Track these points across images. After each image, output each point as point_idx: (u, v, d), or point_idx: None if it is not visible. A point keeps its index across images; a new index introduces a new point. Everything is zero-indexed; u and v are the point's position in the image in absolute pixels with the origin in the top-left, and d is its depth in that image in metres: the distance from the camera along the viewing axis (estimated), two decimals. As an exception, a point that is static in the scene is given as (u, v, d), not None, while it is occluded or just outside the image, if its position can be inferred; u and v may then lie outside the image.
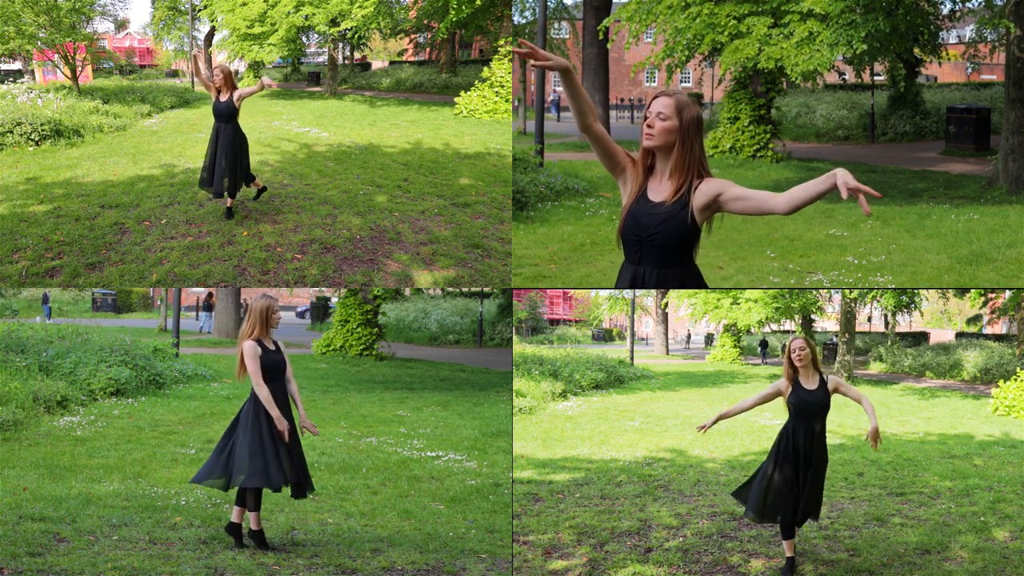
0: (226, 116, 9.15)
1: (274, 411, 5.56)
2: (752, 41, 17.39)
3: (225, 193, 9.62)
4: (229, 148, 9.26)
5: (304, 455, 5.85)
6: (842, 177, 3.24)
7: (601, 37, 19.72)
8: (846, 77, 25.91)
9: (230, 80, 9.06)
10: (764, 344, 32.33)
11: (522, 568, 5.64)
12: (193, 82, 33.49)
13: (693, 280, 3.65)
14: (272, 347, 5.70)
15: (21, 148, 14.82)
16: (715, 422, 5.63)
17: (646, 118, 3.57)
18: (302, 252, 9.04)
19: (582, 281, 10.24)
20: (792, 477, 5.49)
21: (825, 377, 5.51)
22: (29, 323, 15.42)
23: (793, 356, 5.49)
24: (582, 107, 3.54)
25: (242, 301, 24.70)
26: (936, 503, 7.53)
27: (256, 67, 33.56)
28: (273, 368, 5.64)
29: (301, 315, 40.96)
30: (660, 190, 3.59)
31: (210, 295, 28.28)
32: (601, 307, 53.56)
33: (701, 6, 18.03)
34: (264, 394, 5.56)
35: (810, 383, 5.50)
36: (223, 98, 9.06)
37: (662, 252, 3.57)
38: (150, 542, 5.77)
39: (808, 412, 5.46)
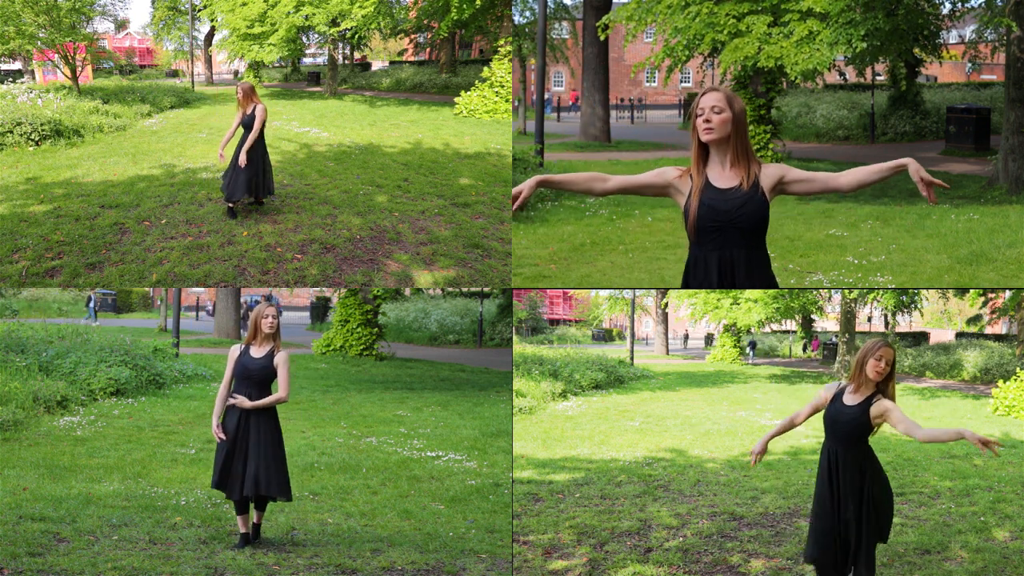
0: (248, 127, 9.56)
1: (214, 419, 5.72)
2: (752, 40, 17.38)
3: (248, 194, 9.88)
4: (253, 154, 9.57)
5: (271, 461, 5.73)
6: (915, 167, 3.50)
7: (600, 34, 19.72)
8: (846, 77, 25.88)
9: (250, 95, 9.46)
10: (753, 345, 32.36)
11: (522, 568, 5.64)
12: (193, 82, 33.51)
13: (767, 263, 3.79)
14: (262, 354, 5.72)
15: (21, 148, 14.82)
16: (765, 447, 4.71)
17: (698, 114, 3.67)
18: (302, 252, 9.04)
19: (582, 281, 10.24)
20: (828, 507, 4.50)
21: (876, 398, 4.41)
22: (29, 323, 15.41)
23: (873, 365, 4.37)
24: (582, 188, 3.81)
25: (241, 302, 24.75)
26: (936, 503, 7.53)
27: (256, 67, 33.56)
28: (240, 373, 5.70)
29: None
30: (726, 178, 3.70)
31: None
32: (601, 307, 53.56)
33: (700, 5, 18.01)
34: (220, 395, 5.73)
35: (855, 395, 4.45)
36: (247, 111, 9.51)
37: (745, 234, 3.69)
38: (150, 542, 5.77)
39: (832, 430, 4.48)
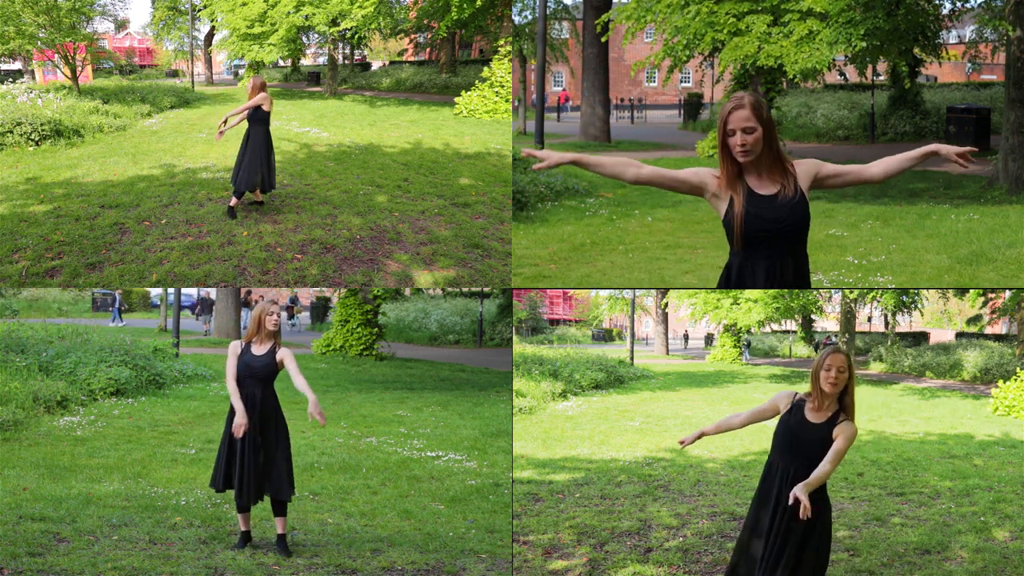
0: (251, 120, 9.74)
1: (238, 406, 5.58)
2: (752, 39, 17.39)
3: (256, 189, 10.03)
4: (258, 146, 9.74)
5: (281, 461, 5.70)
6: (946, 150, 3.69)
7: (599, 32, 19.73)
8: (846, 77, 25.87)
9: (258, 90, 9.62)
10: (747, 344, 32.35)
11: (522, 568, 5.64)
12: (193, 82, 33.51)
13: (808, 261, 3.80)
14: (263, 351, 5.69)
15: (21, 148, 14.82)
16: (696, 439, 4.52)
17: (729, 135, 3.62)
18: (302, 252, 9.04)
19: (582, 281, 10.24)
20: (765, 532, 4.09)
21: (840, 419, 4.00)
22: (29, 323, 15.41)
23: (824, 377, 3.98)
24: (613, 172, 3.78)
25: (254, 300, 24.75)
26: (936, 503, 7.53)
27: (256, 67, 33.56)
28: (243, 371, 5.65)
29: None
30: (766, 184, 3.69)
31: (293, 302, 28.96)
32: (601, 307, 53.57)
33: (700, 4, 18.03)
34: (231, 388, 5.64)
35: (819, 414, 4.03)
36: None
37: (793, 240, 3.70)
38: (150, 542, 5.77)
39: (794, 449, 4.03)
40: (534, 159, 3.75)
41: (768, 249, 3.67)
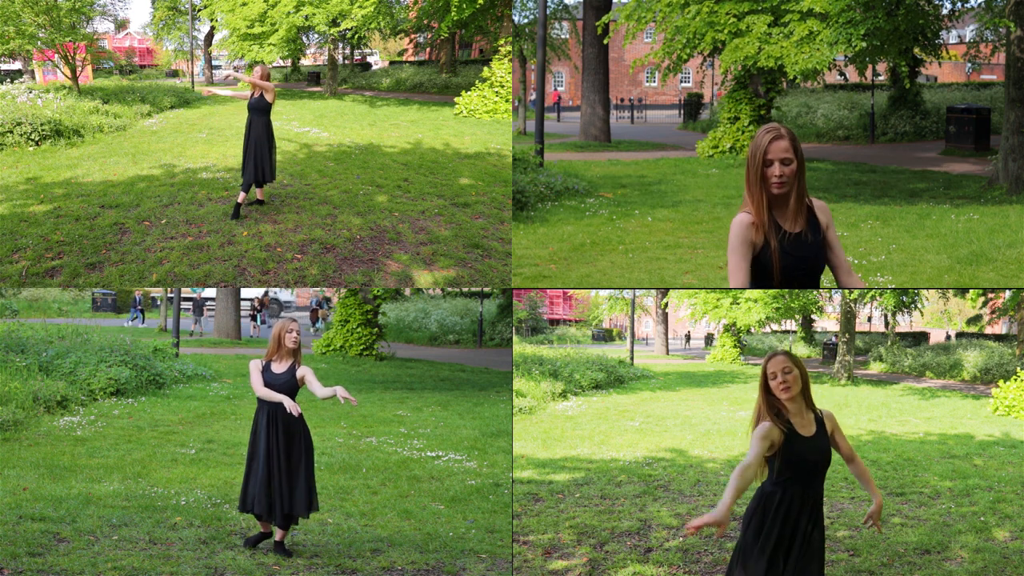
0: (253, 110, 9.81)
1: (276, 397, 5.51)
2: (752, 40, 17.40)
3: (253, 185, 10.08)
4: (262, 137, 9.84)
5: (302, 479, 5.65)
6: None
7: (600, 32, 19.73)
8: (846, 77, 25.87)
9: (267, 78, 9.78)
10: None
11: (522, 568, 5.64)
12: (193, 82, 33.50)
13: None
14: (283, 369, 5.65)
15: (21, 148, 14.82)
16: (717, 521, 3.54)
17: (767, 164, 3.52)
18: (302, 252, 9.04)
19: (582, 281, 10.24)
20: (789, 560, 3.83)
21: (819, 413, 3.84)
22: (29, 323, 15.41)
23: (773, 382, 3.73)
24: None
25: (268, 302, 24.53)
26: (936, 503, 7.53)
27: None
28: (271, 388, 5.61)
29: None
30: (791, 220, 3.60)
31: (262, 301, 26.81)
32: (601, 307, 53.55)
33: (700, 4, 18.03)
34: (262, 393, 5.56)
35: (805, 426, 3.77)
36: (255, 94, 9.79)
37: (816, 278, 3.65)
38: (150, 542, 5.78)
39: (810, 472, 3.78)
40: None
41: (800, 284, 3.61)
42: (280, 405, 5.53)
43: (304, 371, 5.63)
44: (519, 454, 9.77)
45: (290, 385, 5.60)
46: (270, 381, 5.59)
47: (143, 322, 27.19)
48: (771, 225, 3.56)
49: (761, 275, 3.59)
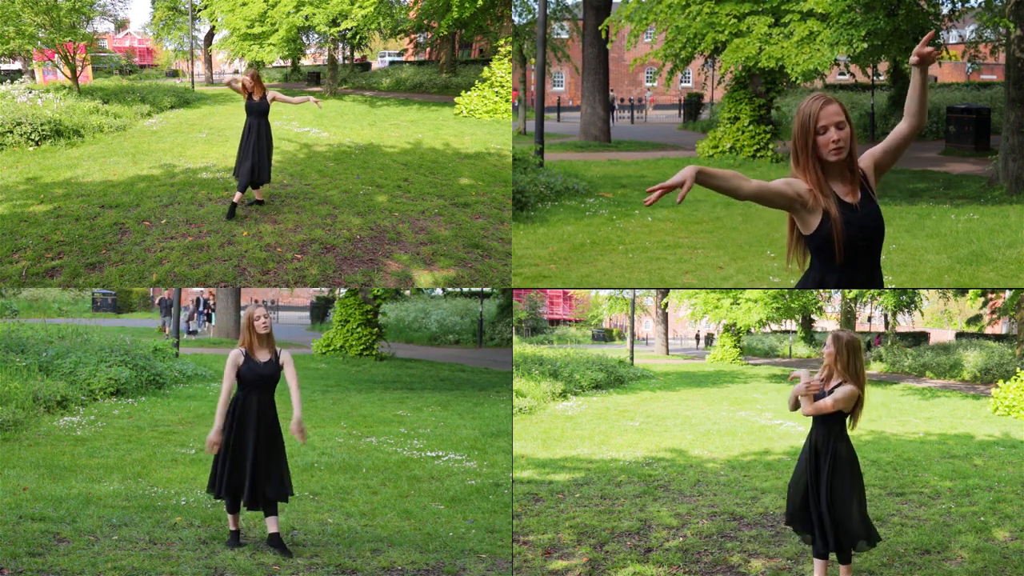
0: (258, 113, 9.85)
1: (219, 420, 5.61)
2: (752, 40, 17.40)
3: (248, 186, 10.07)
4: (261, 140, 9.87)
5: (278, 464, 5.74)
6: (922, 52, 3.45)
7: (604, 36, 19.74)
8: (853, 75, 25.87)
9: (259, 81, 9.85)
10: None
11: (522, 568, 5.64)
12: (193, 82, 33.50)
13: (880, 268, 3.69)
14: (264, 359, 5.68)
15: (21, 148, 14.82)
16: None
17: (820, 132, 3.43)
18: (302, 252, 9.04)
19: (582, 281, 10.24)
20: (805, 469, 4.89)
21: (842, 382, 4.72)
22: (29, 323, 15.41)
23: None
24: (730, 185, 3.40)
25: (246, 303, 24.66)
26: (936, 503, 7.53)
27: (256, 67, 33.55)
28: (252, 381, 5.65)
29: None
30: (848, 190, 3.51)
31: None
32: (601, 307, 53.55)
33: (701, 5, 18.04)
34: (222, 399, 5.64)
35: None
36: (256, 97, 9.80)
37: (879, 249, 3.57)
38: (150, 542, 5.77)
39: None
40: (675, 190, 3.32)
41: (864, 259, 3.51)
42: (253, 394, 5.62)
43: (285, 358, 5.74)
44: (519, 454, 9.77)
45: (277, 376, 5.71)
46: (258, 371, 5.63)
47: (205, 322, 26.79)
48: (832, 196, 3.44)
49: (823, 250, 3.47)
